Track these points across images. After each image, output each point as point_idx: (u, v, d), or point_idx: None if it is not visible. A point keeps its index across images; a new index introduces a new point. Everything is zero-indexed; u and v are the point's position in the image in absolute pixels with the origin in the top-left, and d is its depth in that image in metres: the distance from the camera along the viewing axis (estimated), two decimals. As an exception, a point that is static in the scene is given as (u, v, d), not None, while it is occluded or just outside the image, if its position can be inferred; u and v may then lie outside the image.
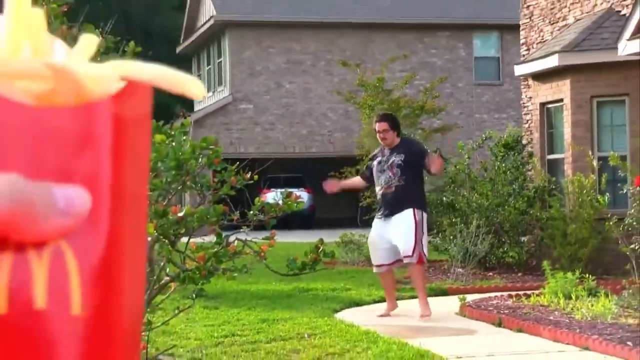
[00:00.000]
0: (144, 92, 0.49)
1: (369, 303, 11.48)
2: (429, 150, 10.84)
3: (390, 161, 9.96)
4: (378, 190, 10.15)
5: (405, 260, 9.94)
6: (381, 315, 10.20)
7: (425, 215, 10.16)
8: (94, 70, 0.48)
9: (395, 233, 9.84)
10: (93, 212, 0.46)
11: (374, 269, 10.52)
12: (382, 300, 11.70)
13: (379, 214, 10.22)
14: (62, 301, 0.45)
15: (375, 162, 10.21)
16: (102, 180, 0.47)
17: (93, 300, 0.46)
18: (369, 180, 10.43)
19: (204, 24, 31.99)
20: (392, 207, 9.90)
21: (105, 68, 0.48)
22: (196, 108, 34.26)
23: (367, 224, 23.24)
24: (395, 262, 10.13)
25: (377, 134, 10.20)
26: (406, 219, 9.80)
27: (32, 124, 0.45)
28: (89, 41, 0.50)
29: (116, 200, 0.47)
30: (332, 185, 10.61)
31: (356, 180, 10.94)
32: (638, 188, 10.73)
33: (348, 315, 10.38)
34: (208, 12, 31.72)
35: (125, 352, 0.49)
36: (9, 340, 0.44)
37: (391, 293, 10.36)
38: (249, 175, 4.24)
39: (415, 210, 9.85)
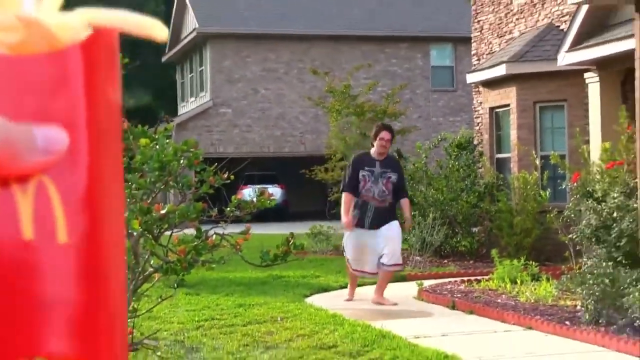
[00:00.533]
0: (110, 36, 0.49)
1: (335, 289, 11.50)
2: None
3: (386, 176, 9.64)
4: (368, 199, 9.62)
5: (393, 268, 9.79)
6: (347, 300, 10.17)
7: None
8: (62, 19, 0.47)
9: (387, 243, 9.58)
10: (71, 149, 0.46)
11: (355, 273, 10.08)
12: (347, 285, 11.73)
13: (366, 223, 9.64)
14: (48, 231, 0.45)
15: (365, 172, 9.66)
16: (77, 119, 0.47)
17: (78, 229, 0.46)
18: (356, 190, 9.72)
19: (187, 35, 31.86)
20: (381, 219, 9.59)
21: (73, 16, 0.48)
22: (180, 112, 34.18)
23: (334, 217, 23.26)
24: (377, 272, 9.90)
25: (379, 141, 9.69)
26: (396, 232, 9.69)
27: (10, 72, 0.45)
28: None
29: (92, 137, 0.47)
30: (349, 224, 9.71)
31: (350, 201, 9.80)
32: (575, 184, 10.81)
33: (317, 300, 10.39)
34: (191, 24, 31.60)
35: (110, 275, 0.49)
36: (1, 271, 0.44)
37: (355, 283, 10.33)
38: (226, 175, 4.23)
39: (398, 223, 9.79)
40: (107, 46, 0.49)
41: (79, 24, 0.48)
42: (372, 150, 9.85)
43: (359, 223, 9.64)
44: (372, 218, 9.58)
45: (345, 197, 9.80)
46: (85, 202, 0.47)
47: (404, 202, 10.07)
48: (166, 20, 37.77)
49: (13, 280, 0.44)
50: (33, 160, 0.44)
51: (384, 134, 9.70)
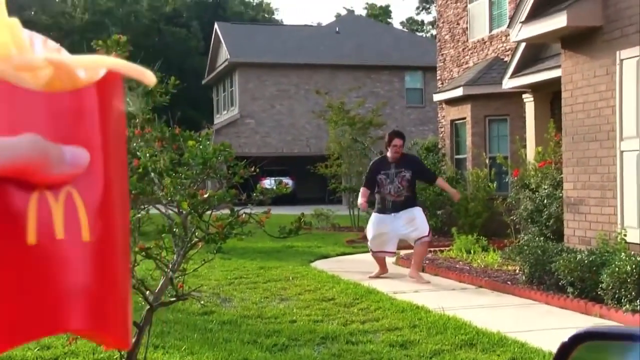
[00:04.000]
0: (116, 77, 0.48)
1: (333, 256, 11.51)
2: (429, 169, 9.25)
3: (401, 175, 8.66)
4: (386, 195, 8.69)
5: (425, 239, 8.68)
6: (372, 277, 9.01)
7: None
8: (80, 62, 0.46)
9: (409, 224, 8.61)
10: (91, 164, 0.45)
11: (377, 254, 9.01)
12: (343, 254, 11.72)
13: (387, 210, 8.70)
14: (75, 231, 0.44)
15: (382, 176, 8.75)
16: (95, 141, 0.46)
17: (97, 229, 0.46)
18: (373, 189, 8.85)
19: (222, 64, 31.80)
20: (399, 206, 8.64)
21: (87, 60, 0.47)
22: (215, 122, 34.10)
23: (332, 202, 23.14)
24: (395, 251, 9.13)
25: (392, 147, 8.72)
26: (417, 213, 8.67)
27: (45, 104, 0.44)
28: (57, 46, 0.49)
29: (105, 154, 0.47)
30: (364, 204, 8.90)
31: (366, 193, 8.88)
32: (515, 178, 10.81)
33: (319, 265, 10.40)
34: (224, 56, 31.54)
35: (119, 265, 0.48)
36: (39, 265, 0.43)
37: (382, 264, 9.18)
38: (252, 169, 4.23)
39: (419, 207, 8.91)
40: (114, 84, 0.48)
41: (93, 67, 0.47)
42: (388, 155, 8.82)
43: (381, 211, 8.77)
44: (391, 207, 8.67)
45: (362, 190, 8.96)
46: (102, 207, 0.46)
47: (439, 183, 9.32)
48: (205, 53, 37.85)
49: (46, 271, 0.43)
50: (62, 172, 0.44)
51: (396, 141, 8.77)
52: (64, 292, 0.44)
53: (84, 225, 0.45)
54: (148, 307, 3.72)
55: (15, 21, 0.45)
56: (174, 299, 3.87)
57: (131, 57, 4.38)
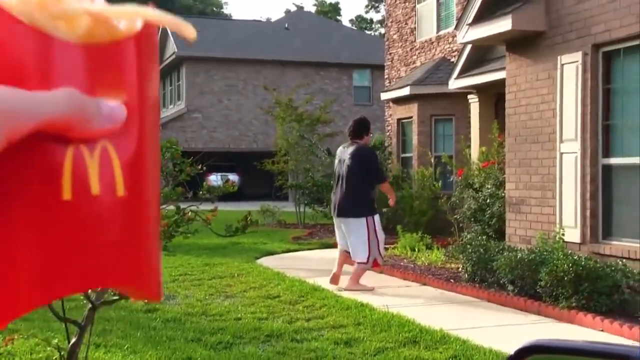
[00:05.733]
0: (153, 30, 0.47)
1: (279, 253, 11.49)
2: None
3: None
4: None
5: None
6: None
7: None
8: (118, 12, 0.45)
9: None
10: (127, 120, 0.45)
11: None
12: (288, 250, 11.72)
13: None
14: (110, 187, 0.44)
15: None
16: (132, 95, 0.45)
17: (130, 184, 0.45)
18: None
19: (168, 57, 31.38)
20: None
21: (125, 10, 0.45)
22: (162, 116, 33.62)
23: (279, 199, 23.09)
24: None
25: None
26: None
27: (82, 56, 0.43)
28: None
29: (141, 111, 0.46)
30: (393, 202, 8.20)
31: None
32: (460, 178, 10.98)
33: (265, 261, 10.37)
34: (171, 49, 31.14)
35: (150, 221, 0.48)
36: (75, 220, 0.42)
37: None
38: (200, 167, 4.20)
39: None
40: (151, 37, 0.47)
41: (131, 17, 0.46)
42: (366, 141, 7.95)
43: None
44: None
45: (389, 185, 8.23)
46: (136, 163, 0.46)
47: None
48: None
49: (81, 226, 0.43)
50: (100, 126, 0.43)
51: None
52: (98, 247, 0.43)
53: (119, 180, 0.44)
54: (90, 305, 3.66)
55: None
56: (116, 297, 3.82)
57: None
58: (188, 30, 0.46)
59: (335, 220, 7.98)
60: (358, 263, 7.72)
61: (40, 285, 0.41)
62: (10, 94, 0.38)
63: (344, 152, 7.93)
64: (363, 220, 7.63)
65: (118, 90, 0.45)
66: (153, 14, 0.45)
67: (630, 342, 5.58)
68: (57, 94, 0.40)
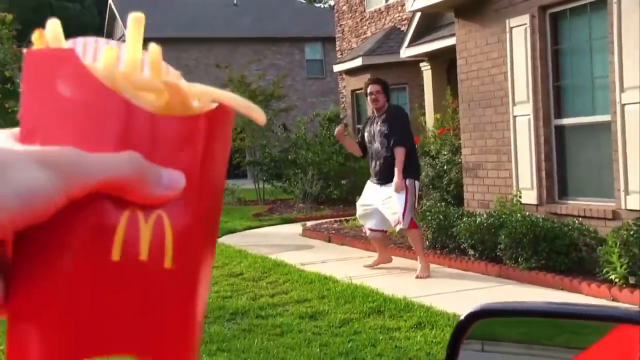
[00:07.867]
0: (227, 111, 0.47)
1: (240, 230, 11.40)
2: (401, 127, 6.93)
3: (381, 131, 6.90)
4: (369, 159, 7.15)
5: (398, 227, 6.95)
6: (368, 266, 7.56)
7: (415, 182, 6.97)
8: (193, 90, 0.47)
9: (385, 202, 6.94)
10: (186, 191, 0.44)
11: (372, 235, 7.45)
12: (250, 228, 11.63)
13: (374, 179, 7.13)
14: (159, 256, 0.44)
15: (365, 133, 7.18)
16: (194, 170, 0.45)
17: (180, 258, 0.44)
18: (365, 150, 7.22)
19: (118, 39, 30.65)
20: (383, 178, 6.93)
21: (199, 89, 0.47)
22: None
23: (237, 176, 22.96)
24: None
25: (369, 97, 6.95)
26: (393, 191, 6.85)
27: (153, 126, 0.44)
28: (178, 73, 0.49)
29: (202, 186, 0.46)
30: (340, 133, 6.94)
31: (355, 147, 7.34)
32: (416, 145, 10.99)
33: (227, 240, 10.26)
34: (120, 31, 30.57)
35: (198, 299, 0.46)
36: (117, 282, 0.42)
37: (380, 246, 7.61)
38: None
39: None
40: (224, 118, 0.47)
41: (206, 97, 0.47)
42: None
43: (370, 178, 7.26)
44: (375, 174, 7.10)
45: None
46: (190, 237, 0.45)
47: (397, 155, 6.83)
48: (100, 29, 36.47)
49: (124, 292, 0.43)
50: (157, 192, 0.43)
51: (371, 88, 6.95)
52: (133, 313, 0.43)
53: (168, 252, 0.44)
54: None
55: (155, 46, 0.47)
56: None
57: (20, 35, 4.08)
58: (258, 114, 0.48)
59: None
60: (400, 228, 6.89)
61: (74, 342, 0.42)
62: (75, 152, 0.40)
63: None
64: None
65: (180, 162, 0.45)
66: (226, 96, 0.47)
67: (586, 300, 5.67)
68: (121, 156, 0.42)
